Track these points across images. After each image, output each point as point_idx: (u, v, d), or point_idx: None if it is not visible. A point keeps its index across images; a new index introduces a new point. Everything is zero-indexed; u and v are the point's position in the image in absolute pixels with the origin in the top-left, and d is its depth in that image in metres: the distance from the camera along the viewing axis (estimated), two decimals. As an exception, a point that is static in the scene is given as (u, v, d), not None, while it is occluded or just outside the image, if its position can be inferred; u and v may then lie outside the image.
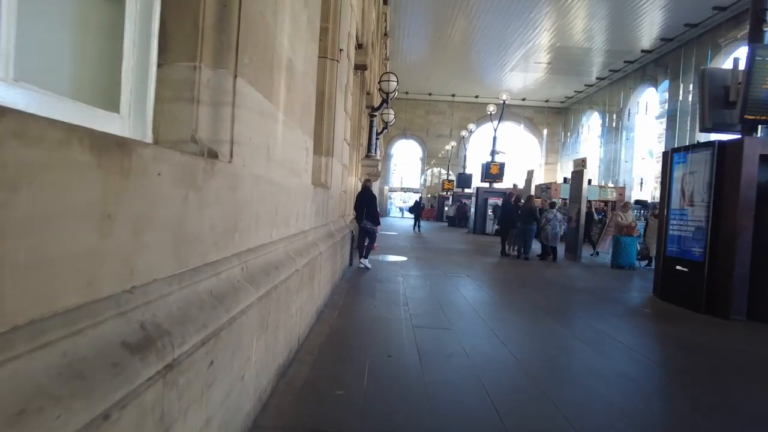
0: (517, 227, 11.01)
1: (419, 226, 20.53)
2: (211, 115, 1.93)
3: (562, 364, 3.62)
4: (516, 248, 11.29)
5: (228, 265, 1.98)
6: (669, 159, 6.90)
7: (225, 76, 1.99)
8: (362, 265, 7.79)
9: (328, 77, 5.66)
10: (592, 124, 33.84)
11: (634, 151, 28.63)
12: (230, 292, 1.92)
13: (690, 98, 21.54)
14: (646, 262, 10.48)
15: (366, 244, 8.02)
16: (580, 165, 11.51)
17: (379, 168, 12.91)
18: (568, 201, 12.81)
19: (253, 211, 2.39)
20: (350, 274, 7.17)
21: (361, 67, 8.93)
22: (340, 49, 5.82)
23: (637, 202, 19.51)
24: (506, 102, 20.82)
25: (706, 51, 20.59)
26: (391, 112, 14.42)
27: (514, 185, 22.43)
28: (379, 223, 8.10)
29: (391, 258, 9.62)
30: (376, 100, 11.94)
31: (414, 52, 27.38)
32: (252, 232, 2.39)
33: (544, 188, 19.82)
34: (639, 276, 9.22)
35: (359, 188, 8.89)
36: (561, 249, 11.37)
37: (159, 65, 1.78)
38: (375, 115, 11.30)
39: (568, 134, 36.97)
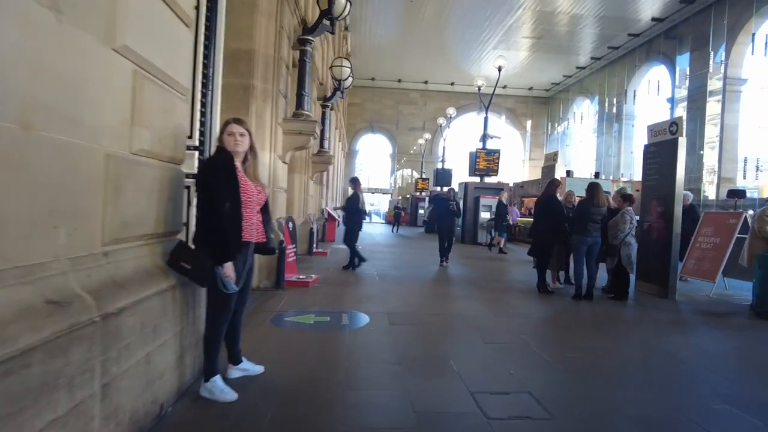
0: (570, 240, 6.09)
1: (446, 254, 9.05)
2: None
3: None
4: (571, 278, 6.36)
5: None
6: None
7: None
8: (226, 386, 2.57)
9: None
10: (584, 113, 29.63)
11: (633, 141, 24.63)
12: None
13: (722, 71, 17.37)
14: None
15: (208, 327, 2.63)
16: (667, 131, 6.70)
17: (321, 143, 7.71)
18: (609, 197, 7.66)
19: None
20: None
21: None
22: None
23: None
24: (501, 69, 16.03)
25: (742, 12, 16.49)
26: (346, 64, 9.24)
27: (498, 183, 17.81)
28: (228, 258, 2.45)
29: (332, 322, 4.44)
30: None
31: (380, 24, 22.39)
32: None
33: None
34: None
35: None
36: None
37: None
38: (310, 41, 6.16)
39: (555, 125, 32.71)
